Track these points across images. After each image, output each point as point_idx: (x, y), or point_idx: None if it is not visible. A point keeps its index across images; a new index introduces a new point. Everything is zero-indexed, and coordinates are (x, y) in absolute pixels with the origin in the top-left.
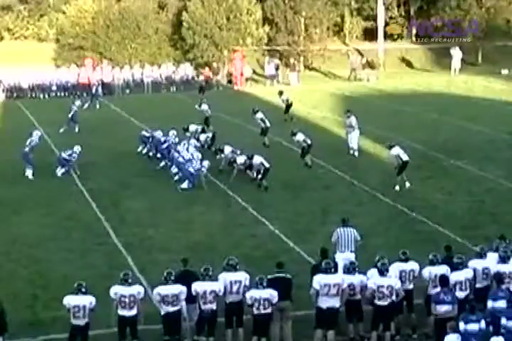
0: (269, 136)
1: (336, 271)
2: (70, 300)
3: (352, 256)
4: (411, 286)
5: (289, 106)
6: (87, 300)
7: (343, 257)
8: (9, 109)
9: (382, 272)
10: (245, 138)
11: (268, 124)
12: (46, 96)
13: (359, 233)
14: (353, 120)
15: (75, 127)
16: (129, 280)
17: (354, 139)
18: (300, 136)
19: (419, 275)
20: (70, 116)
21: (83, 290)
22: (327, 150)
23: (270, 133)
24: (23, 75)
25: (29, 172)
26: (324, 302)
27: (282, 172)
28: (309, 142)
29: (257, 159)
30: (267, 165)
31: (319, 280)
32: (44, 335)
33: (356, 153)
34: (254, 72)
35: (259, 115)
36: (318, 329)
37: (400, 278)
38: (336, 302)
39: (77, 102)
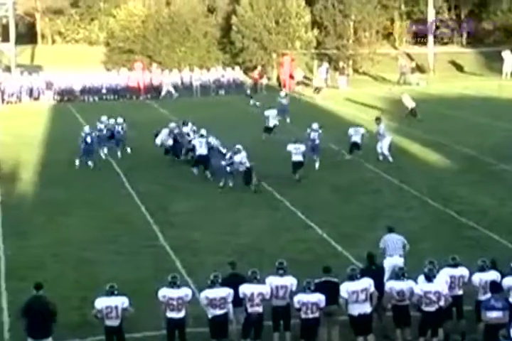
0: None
1: (382, 276)
2: (102, 302)
3: (401, 261)
4: (460, 292)
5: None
6: (120, 301)
7: (392, 262)
8: (60, 112)
9: (430, 278)
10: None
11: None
12: (96, 99)
13: (407, 239)
14: (381, 127)
15: None
16: (177, 283)
17: (385, 146)
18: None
19: (468, 281)
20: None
21: (115, 292)
22: (375, 154)
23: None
24: (73, 78)
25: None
26: (355, 310)
27: (331, 176)
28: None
29: (239, 157)
30: (247, 164)
31: (347, 288)
32: (92, 337)
33: (390, 159)
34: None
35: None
36: (359, 337)
37: (450, 283)
38: (366, 308)
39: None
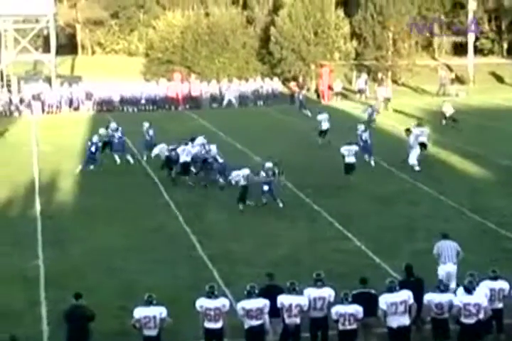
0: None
1: (421, 288)
2: (141, 312)
3: (454, 268)
4: (500, 305)
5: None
6: (158, 311)
7: (446, 269)
8: (99, 122)
9: (469, 290)
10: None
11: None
12: (135, 109)
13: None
14: (411, 139)
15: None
16: (215, 293)
17: (412, 156)
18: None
19: (509, 294)
20: None
21: (153, 301)
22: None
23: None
24: (113, 89)
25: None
26: (394, 322)
27: (369, 187)
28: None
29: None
30: (220, 160)
31: (385, 299)
32: None
33: (417, 168)
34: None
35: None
36: None
37: (490, 296)
38: (405, 320)
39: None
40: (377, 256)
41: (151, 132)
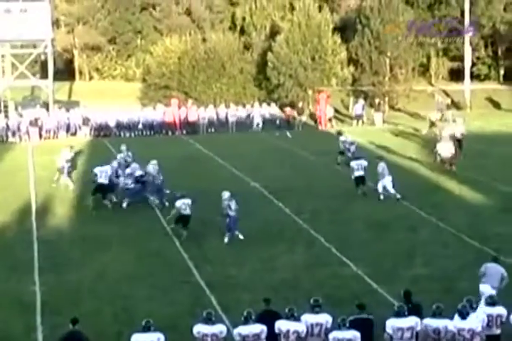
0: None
1: (420, 314)
2: (139, 338)
3: (492, 292)
4: (498, 331)
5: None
6: (155, 337)
7: (484, 290)
8: (96, 147)
9: (463, 315)
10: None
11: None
12: (132, 134)
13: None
14: (380, 166)
15: None
16: (212, 319)
17: (388, 185)
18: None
19: (506, 320)
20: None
21: (151, 327)
22: (412, 191)
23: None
24: (110, 114)
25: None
26: None
27: (367, 212)
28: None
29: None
30: (187, 211)
31: (392, 324)
32: None
33: (398, 196)
34: (337, 112)
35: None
36: None
37: (487, 322)
38: None
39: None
40: (375, 281)
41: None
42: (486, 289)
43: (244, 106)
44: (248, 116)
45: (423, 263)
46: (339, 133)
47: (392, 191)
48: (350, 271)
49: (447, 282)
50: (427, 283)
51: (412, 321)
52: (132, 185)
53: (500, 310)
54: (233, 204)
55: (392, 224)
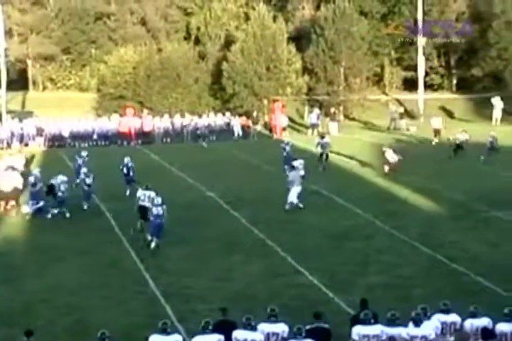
0: (311, 187)
1: (376, 322)
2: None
3: None
4: (452, 339)
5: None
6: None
7: None
8: (50, 158)
9: (417, 322)
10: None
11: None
12: (87, 145)
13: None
14: (291, 174)
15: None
16: (168, 330)
17: (293, 194)
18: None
19: (460, 327)
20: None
21: (106, 339)
22: (366, 200)
23: (310, 183)
24: (64, 124)
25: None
26: None
27: (323, 221)
28: None
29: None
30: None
31: (358, 331)
32: None
33: (287, 207)
34: (292, 121)
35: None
36: None
37: (441, 330)
38: None
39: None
40: (330, 290)
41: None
42: None
43: (200, 116)
44: (228, 124)
45: (378, 271)
46: (322, 137)
47: (295, 200)
48: (306, 280)
49: (402, 290)
50: (382, 291)
51: (378, 329)
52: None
53: (454, 318)
54: (155, 210)
55: (348, 233)
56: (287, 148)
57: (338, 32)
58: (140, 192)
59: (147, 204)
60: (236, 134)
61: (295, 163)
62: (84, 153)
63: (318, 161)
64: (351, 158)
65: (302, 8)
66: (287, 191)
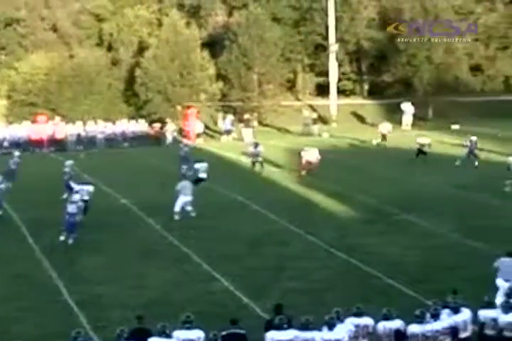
0: (226, 193)
1: (290, 326)
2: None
3: (506, 285)
4: None
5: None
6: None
7: (499, 284)
8: None
9: (330, 326)
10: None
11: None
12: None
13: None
14: (179, 185)
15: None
16: (80, 339)
17: (179, 203)
18: None
19: (373, 330)
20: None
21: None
22: (282, 206)
23: (227, 190)
24: None
25: None
26: None
27: (239, 227)
28: None
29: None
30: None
31: (272, 336)
32: None
33: (177, 217)
34: (207, 127)
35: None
36: None
37: (354, 332)
38: None
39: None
40: (246, 296)
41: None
42: (501, 283)
43: (114, 122)
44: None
45: (293, 276)
46: (256, 145)
47: (178, 209)
48: (222, 286)
49: (317, 294)
50: (297, 296)
51: (291, 334)
52: None
53: (367, 321)
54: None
55: (263, 239)
56: (185, 149)
57: (251, 38)
58: (78, 187)
59: (86, 198)
60: (168, 141)
61: (197, 166)
62: None
63: (253, 169)
64: (267, 163)
65: (215, 14)
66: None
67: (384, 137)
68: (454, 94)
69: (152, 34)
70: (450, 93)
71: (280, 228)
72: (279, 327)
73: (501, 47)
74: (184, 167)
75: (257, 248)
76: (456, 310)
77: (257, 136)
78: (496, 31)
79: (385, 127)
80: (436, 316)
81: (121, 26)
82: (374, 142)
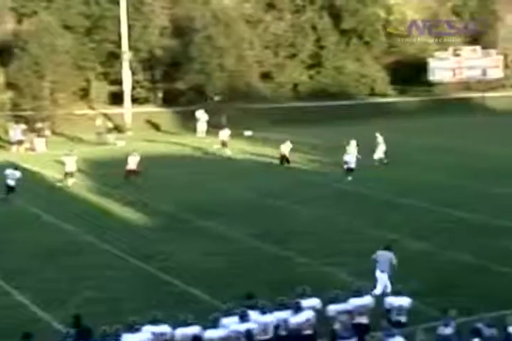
0: (24, 206)
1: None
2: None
3: (385, 276)
4: None
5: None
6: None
7: (376, 274)
8: None
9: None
10: None
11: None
12: None
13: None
14: None
15: None
16: None
17: None
18: None
19: (171, 338)
20: None
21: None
22: (78, 216)
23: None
24: None
25: None
26: None
27: (32, 240)
28: None
29: None
30: None
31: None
32: None
33: None
34: None
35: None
36: None
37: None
38: None
39: None
40: (41, 309)
41: None
42: (378, 274)
43: None
44: None
45: (90, 286)
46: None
47: None
48: (15, 300)
49: (114, 303)
50: (95, 306)
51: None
52: None
53: (163, 328)
54: None
55: (59, 250)
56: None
57: (41, 46)
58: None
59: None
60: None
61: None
62: None
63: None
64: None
65: (4, 21)
66: None
67: (224, 144)
68: (247, 101)
69: None
70: (243, 100)
71: (77, 239)
72: None
73: (290, 55)
74: None
75: (52, 259)
76: (263, 312)
77: (50, 145)
78: (285, 39)
79: (225, 134)
80: (244, 317)
81: None
82: (215, 147)
